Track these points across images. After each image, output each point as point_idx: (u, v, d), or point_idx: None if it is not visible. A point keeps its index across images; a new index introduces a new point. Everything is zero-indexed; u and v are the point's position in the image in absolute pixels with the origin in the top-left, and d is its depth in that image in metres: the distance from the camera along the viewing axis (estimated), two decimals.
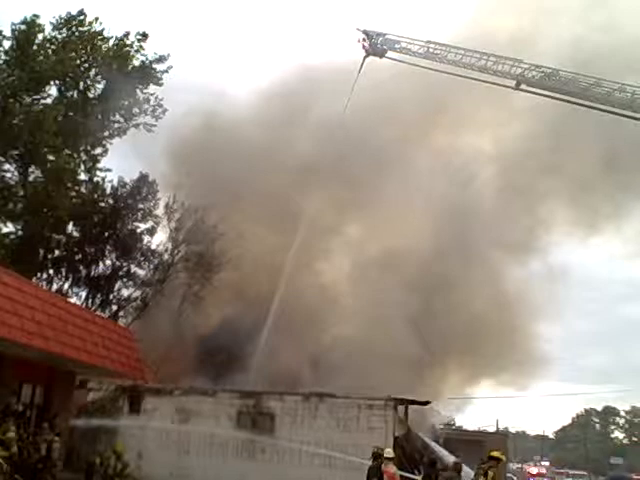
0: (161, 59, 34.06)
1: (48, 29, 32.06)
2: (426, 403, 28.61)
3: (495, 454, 15.96)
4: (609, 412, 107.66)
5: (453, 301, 35.42)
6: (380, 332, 32.05)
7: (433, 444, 27.99)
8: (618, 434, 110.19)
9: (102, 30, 33.32)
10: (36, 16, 31.19)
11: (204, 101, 39.36)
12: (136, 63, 33.94)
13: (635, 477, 28.60)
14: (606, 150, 34.64)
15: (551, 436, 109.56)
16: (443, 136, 40.84)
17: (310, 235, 34.61)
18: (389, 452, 17.80)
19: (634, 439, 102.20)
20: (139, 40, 33.76)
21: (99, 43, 33.39)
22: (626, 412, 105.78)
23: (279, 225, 36.59)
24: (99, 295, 34.26)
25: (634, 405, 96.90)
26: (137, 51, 33.64)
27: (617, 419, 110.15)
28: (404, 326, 33.33)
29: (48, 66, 30.46)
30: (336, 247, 38.93)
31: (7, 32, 30.62)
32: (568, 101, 29.97)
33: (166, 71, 34.20)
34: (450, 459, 26.46)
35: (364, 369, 29.86)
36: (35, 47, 30.83)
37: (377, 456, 17.57)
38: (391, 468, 17.22)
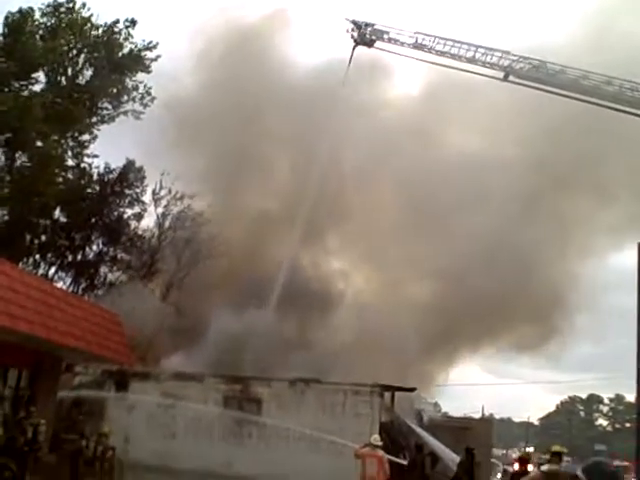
0: (150, 47, 33.94)
1: (37, 15, 31.96)
2: (412, 390, 28.83)
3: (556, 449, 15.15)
4: (593, 399, 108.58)
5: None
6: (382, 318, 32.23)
7: (419, 430, 28.18)
8: (602, 421, 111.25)
9: (90, 17, 33.20)
10: (31, 9, 31.16)
11: (192, 85, 39.32)
12: (125, 50, 33.81)
13: (615, 463, 28.97)
14: None
15: (536, 423, 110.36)
16: None
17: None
18: (376, 439, 17.96)
19: (617, 426, 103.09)
20: (127, 27, 33.66)
21: (88, 30, 33.26)
22: (610, 399, 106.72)
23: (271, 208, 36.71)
24: (85, 280, 34.28)
25: (618, 392, 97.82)
26: (126, 39, 33.53)
27: (601, 406, 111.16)
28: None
29: (37, 53, 30.34)
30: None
31: None
32: (556, 93, 30.12)
33: (155, 59, 34.12)
34: (436, 444, 26.75)
35: (360, 357, 30.04)
36: (25, 36, 30.67)
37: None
38: (379, 452, 17.39)
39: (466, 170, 35.48)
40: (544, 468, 3.38)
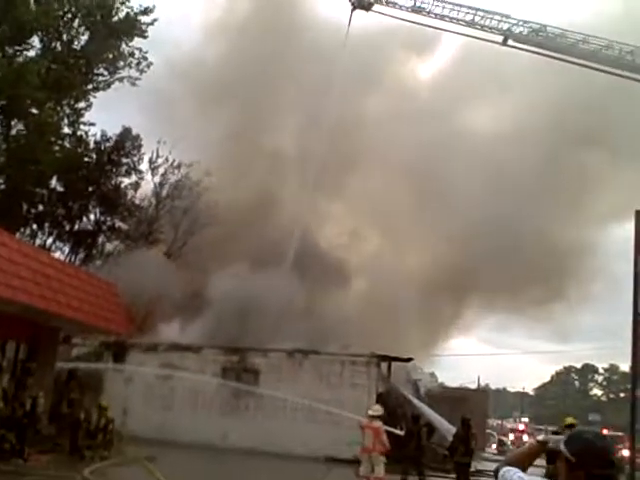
0: (146, 11, 33.43)
1: None
2: (409, 360, 28.92)
3: (569, 421, 14.99)
4: (588, 369, 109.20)
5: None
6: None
7: (415, 401, 28.31)
8: (597, 391, 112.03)
9: None
10: None
11: (188, 53, 38.99)
12: (121, 15, 33.28)
13: (604, 432, 29.12)
14: None
15: (531, 393, 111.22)
16: None
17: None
18: (377, 409, 18.01)
19: (612, 396, 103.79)
20: None
21: None
22: (604, 369, 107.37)
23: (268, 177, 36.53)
24: (82, 250, 34.18)
25: (612, 363, 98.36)
26: (122, 3, 32.95)
27: (596, 376, 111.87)
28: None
29: (32, 17, 29.84)
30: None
31: None
32: (555, 57, 29.82)
33: (151, 24, 33.63)
34: (432, 415, 26.89)
35: (360, 326, 30.14)
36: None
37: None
38: (376, 423, 17.44)
39: (477, 141, 35.41)
40: (540, 438, 3.32)
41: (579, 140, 35.55)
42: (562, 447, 3.28)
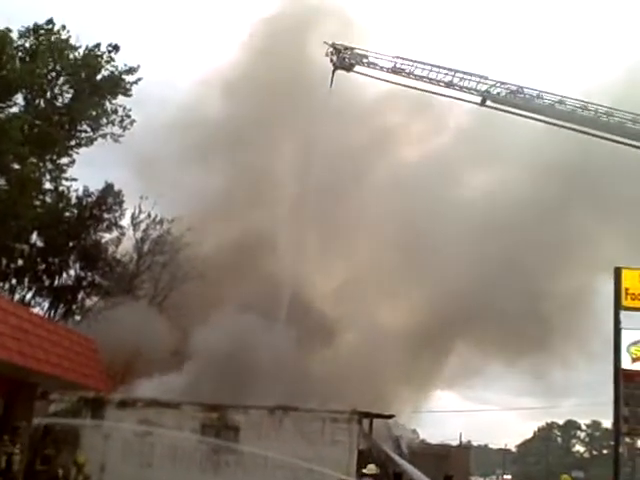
0: (131, 70, 33.84)
1: (15, 36, 31.74)
2: (390, 417, 28.84)
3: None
4: (570, 425, 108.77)
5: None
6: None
7: (397, 458, 28.12)
8: (579, 447, 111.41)
9: (69, 38, 33.04)
10: (9, 30, 30.93)
11: (173, 110, 39.49)
12: (105, 73, 33.67)
13: None
14: None
15: (513, 449, 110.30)
16: None
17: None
18: (371, 468, 17.91)
19: (594, 452, 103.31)
20: (110, 52, 33.50)
21: (67, 52, 33.09)
22: (587, 426, 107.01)
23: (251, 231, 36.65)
24: (62, 305, 33.93)
25: (594, 419, 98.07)
26: (108, 62, 33.38)
27: (578, 432, 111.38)
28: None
29: (16, 75, 30.14)
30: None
31: None
32: (533, 118, 30.49)
33: (136, 82, 33.99)
34: (414, 472, 26.69)
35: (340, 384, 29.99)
36: (4, 57, 30.46)
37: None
38: None
39: (465, 203, 35.75)
40: None
41: (565, 199, 35.95)
42: None
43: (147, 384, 29.16)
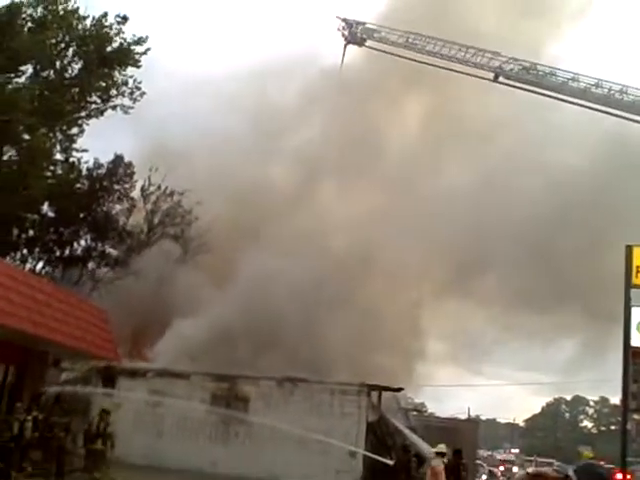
0: (140, 41, 33.65)
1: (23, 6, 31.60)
2: (399, 390, 28.86)
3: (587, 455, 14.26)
4: (578, 401, 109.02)
5: None
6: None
7: (406, 430, 28.19)
8: (587, 423, 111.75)
9: (77, 9, 32.86)
10: (20, 1, 30.83)
11: (184, 83, 39.35)
12: (115, 45, 33.50)
13: (604, 465, 29.17)
14: None
15: (521, 424, 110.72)
16: None
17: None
18: (441, 447, 17.93)
19: (602, 428, 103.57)
20: (119, 23, 33.27)
21: (76, 22, 32.92)
22: (595, 402, 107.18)
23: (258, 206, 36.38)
24: (73, 275, 34.07)
25: (602, 395, 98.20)
26: (117, 34, 33.19)
27: (586, 408, 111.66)
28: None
29: (25, 46, 30.03)
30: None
31: None
32: (545, 95, 30.26)
33: (144, 53, 33.84)
34: (422, 445, 26.75)
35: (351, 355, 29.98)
36: (14, 28, 30.34)
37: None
38: (438, 464, 17.32)
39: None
40: (529, 470, 3.30)
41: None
42: (571, 473, 3.34)
43: (157, 354, 29.33)
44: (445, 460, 17.55)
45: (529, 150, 34.68)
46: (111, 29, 33.15)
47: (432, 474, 17.04)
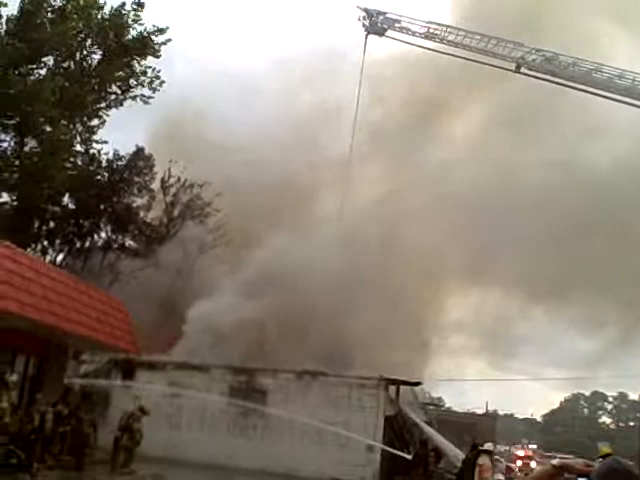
0: (160, 31, 33.59)
1: None
2: (417, 384, 28.83)
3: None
4: (597, 397, 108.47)
5: None
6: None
7: (423, 424, 28.16)
8: (605, 419, 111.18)
9: None
10: None
11: (203, 75, 39.30)
12: (134, 34, 33.46)
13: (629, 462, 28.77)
14: None
15: (539, 419, 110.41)
16: None
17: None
18: (488, 445, 18.03)
19: (621, 424, 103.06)
20: (135, 10, 33.12)
21: (94, 12, 32.91)
22: (614, 398, 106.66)
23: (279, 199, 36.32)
24: (93, 267, 34.23)
25: (621, 391, 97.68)
26: (134, 21, 33.09)
27: (605, 404, 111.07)
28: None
29: (47, 37, 30.10)
30: None
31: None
32: (568, 86, 29.93)
33: (164, 43, 33.75)
34: (440, 440, 26.71)
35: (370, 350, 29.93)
36: (38, 19, 30.40)
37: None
38: (485, 462, 17.39)
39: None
40: (554, 462, 3.27)
41: None
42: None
43: (176, 347, 29.41)
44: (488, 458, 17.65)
45: (561, 142, 34.63)
46: (128, 16, 33.05)
47: (480, 471, 17.08)
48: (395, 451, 24.12)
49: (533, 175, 33.60)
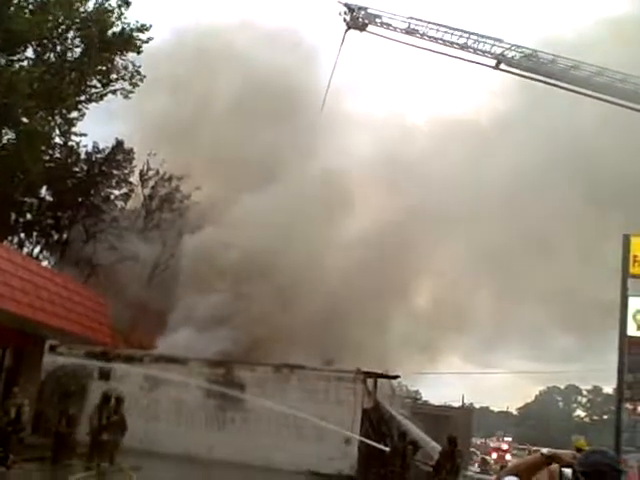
0: (142, 29, 33.36)
1: None
2: (395, 377, 29.00)
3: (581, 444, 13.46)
4: (571, 390, 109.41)
5: None
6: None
7: (400, 417, 28.33)
8: (580, 412, 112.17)
9: None
10: None
11: (183, 66, 39.06)
12: (116, 29, 33.22)
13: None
14: None
15: (514, 412, 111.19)
16: None
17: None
18: (551, 451, 17.98)
19: (595, 417, 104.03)
20: (120, 7, 32.95)
21: (77, 4, 32.65)
22: (588, 391, 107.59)
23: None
24: (69, 260, 34.07)
25: (595, 384, 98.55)
26: (118, 18, 32.91)
27: (579, 397, 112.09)
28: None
29: (25, 27, 29.81)
30: None
31: None
32: (546, 82, 30.17)
33: (146, 41, 33.48)
34: (417, 432, 26.90)
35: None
36: (12, 8, 30.11)
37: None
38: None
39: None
40: (544, 450, 3.36)
41: None
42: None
43: (155, 339, 29.40)
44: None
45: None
46: (112, 13, 32.86)
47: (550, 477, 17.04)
48: (373, 443, 24.29)
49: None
